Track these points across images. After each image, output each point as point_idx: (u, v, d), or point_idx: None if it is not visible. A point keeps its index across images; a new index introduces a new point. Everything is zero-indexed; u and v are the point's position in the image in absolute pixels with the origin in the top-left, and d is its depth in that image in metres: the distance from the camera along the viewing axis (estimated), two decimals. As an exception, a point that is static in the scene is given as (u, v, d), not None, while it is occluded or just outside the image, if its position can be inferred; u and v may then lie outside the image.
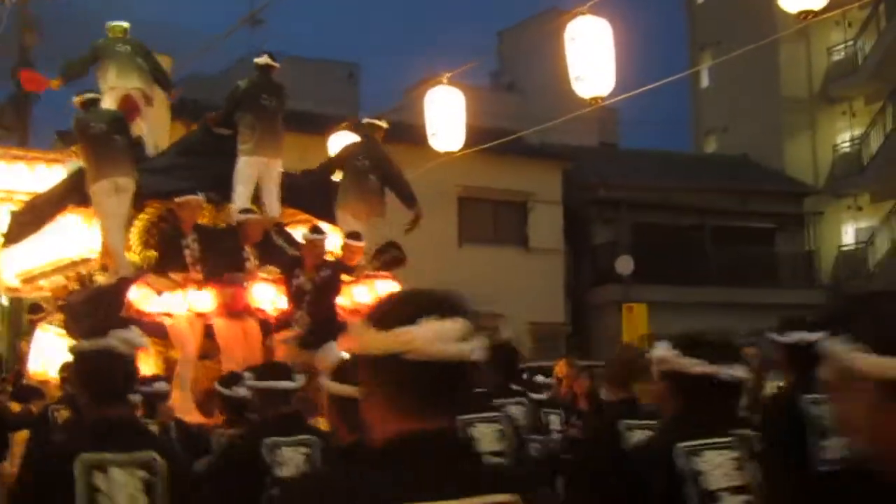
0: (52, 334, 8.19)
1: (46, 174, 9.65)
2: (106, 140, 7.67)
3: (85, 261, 8.01)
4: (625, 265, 18.91)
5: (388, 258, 8.26)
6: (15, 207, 9.06)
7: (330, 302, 7.27)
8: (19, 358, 9.93)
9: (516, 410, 4.84)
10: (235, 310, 7.25)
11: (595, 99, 7.49)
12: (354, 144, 8.88)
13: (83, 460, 2.52)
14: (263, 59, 8.27)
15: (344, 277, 7.63)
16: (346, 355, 2.87)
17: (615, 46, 7.40)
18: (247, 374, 4.21)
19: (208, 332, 7.33)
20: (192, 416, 6.63)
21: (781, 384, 4.31)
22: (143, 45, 9.44)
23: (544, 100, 22.05)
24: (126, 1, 17.23)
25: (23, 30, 15.95)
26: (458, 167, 12.59)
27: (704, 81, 27.41)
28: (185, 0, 78.06)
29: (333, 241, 8.06)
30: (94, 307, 7.24)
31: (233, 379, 5.21)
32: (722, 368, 2.62)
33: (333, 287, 7.33)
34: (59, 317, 8.24)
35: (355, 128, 9.72)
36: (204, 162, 8.28)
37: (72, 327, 7.39)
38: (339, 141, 9.74)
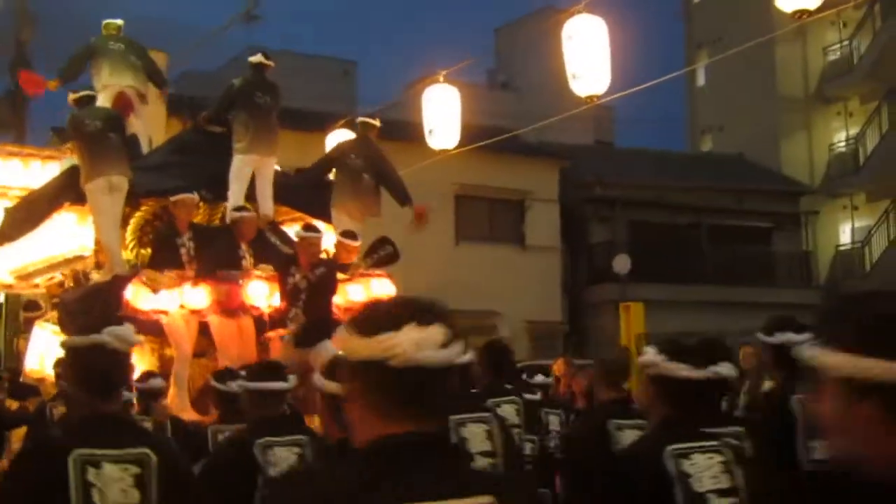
0: (49, 332, 8.19)
1: (41, 171, 9.67)
2: (101, 138, 7.67)
3: (78, 258, 8.02)
4: (622, 264, 18.93)
5: (382, 255, 8.24)
6: (10, 204, 9.08)
7: (325, 300, 7.27)
8: (16, 355, 9.93)
9: (509, 409, 4.86)
10: (230, 307, 7.26)
11: (591, 97, 7.50)
12: (347, 143, 8.89)
13: (76, 456, 2.53)
14: (257, 58, 8.29)
15: (338, 276, 7.64)
16: (340, 353, 2.89)
17: (611, 45, 7.41)
18: (240, 374, 4.22)
19: (203, 330, 7.34)
20: (188, 414, 6.64)
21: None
22: (137, 42, 9.44)
23: (540, 98, 22.12)
24: (123, -3, 17.22)
25: (20, 24, 15.92)
26: (454, 165, 12.60)
27: (700, 80, 27.46)
28: (182, -4, 77.97)
29: (328, 239, 8.06)
30: (89, 304, 7.23)
31: (227, 374, 5.23)
32: (707, 371, 2.68)
33: (329, 286, 7.33)
34: (55, 314, 8.24)
35: (352, 126, 9.73)
36: (196, 160, 8.30)
37: (67, 324, 7.39)
38: (337, 138, 9.75)
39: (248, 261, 7.58)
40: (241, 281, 7.35)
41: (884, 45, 22.40)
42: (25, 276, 9.01)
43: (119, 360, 2.74)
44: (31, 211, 8.31)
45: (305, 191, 8.72)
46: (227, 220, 7.84)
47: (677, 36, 29.94)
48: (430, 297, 1.55)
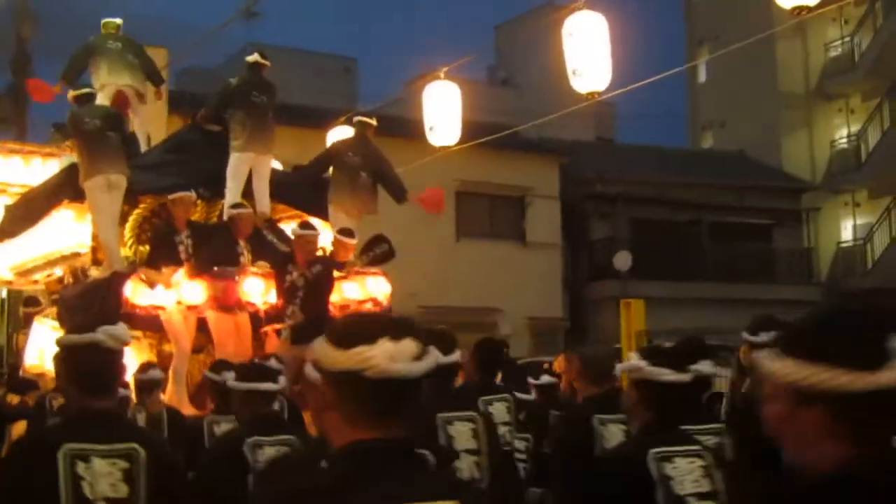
0: (48, 327, 8.24)
1: (42, 168, 9.71)
2: (100, 136, 7.70)
3: (76, 255, 8.06)
4: (623, 261, 18.94)
5: (378, 253, 8.27)
6: (10, 201, 9.12)
7: (323, 298, 7.31)
8: (16, 351, 9.97)
9: (500, 408, 4.88)
10: (227, 304, 7.30)
11: (592, 94, 7.48)
12: (343, 141, 8.92)
13: (66, 450, 2.58)
14: (254, 57, 8.35)
15: (335, 273, 7.66)
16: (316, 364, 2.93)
17: (612, 41, 7.39)
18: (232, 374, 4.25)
19: (201, 326, 7.39)
20: (187, 410, 6.69)
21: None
22: (135, 41, 9.46)
23: (541, 94, 22.10)
24: (124, -6, 17.24)
25: (20, 22, 15.96)
26: (455, 162, 12.61)
27: (701, 77, 27.43)
28: (183, -7, 78.01)
29: (325, 237, 8.09)
30: (88, 301, 7.28)
31: (223, 366, 5.27)
32: (688, 373, 2.76)
33: (326, 283, 7.36)
34: (55, 310, 8.28)
35: (352, 123, 9.75)
36: (194, 158, 8.34)
37: (66, 320, 7.43)
38: (338, 135, 9.77)
39: (245, 258, 7.62)
40: (237, 277, 7.39)
41: (885, 42, 22.38)
42: (25, 273, 9.06)
43: (112, 359, 2.78)
44: (30, 208, 8.36)
45: (302, 188, 8.75)
46: (225, 218, 7.89)
47: (678, 32, 29.92)
48: (401, 315, 1.71)
